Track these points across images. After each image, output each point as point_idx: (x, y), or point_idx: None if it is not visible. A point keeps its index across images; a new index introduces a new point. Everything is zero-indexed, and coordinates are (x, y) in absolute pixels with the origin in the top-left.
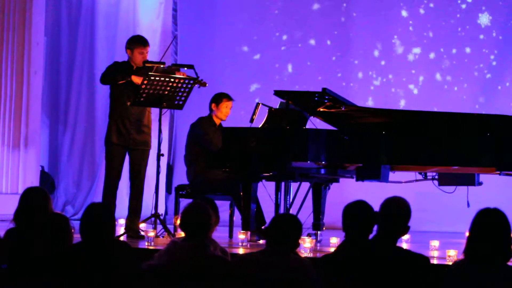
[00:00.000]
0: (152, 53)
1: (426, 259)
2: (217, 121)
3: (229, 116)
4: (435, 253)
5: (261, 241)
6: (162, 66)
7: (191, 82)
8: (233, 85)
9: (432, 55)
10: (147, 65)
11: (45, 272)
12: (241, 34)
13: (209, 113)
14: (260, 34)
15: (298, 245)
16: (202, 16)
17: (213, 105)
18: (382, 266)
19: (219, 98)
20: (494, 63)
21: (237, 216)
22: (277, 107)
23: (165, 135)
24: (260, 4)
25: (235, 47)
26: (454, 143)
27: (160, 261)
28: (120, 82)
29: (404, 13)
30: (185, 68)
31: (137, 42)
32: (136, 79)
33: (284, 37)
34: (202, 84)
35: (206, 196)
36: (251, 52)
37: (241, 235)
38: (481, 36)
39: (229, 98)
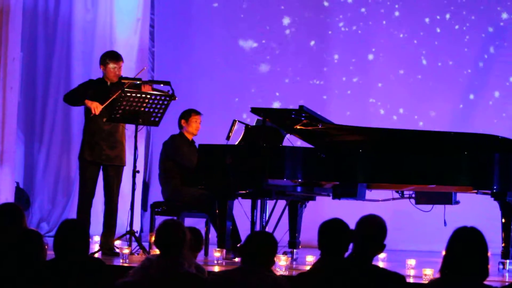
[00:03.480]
0: (129, 69)
1: (402, 277)
2: (189, 137)
3: (206, 133)
4: (412, 272)
5: (236, 259)
6: (138, 82)
7: (167, 99)
8: (210, 102)
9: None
10: (122, 81)
11: None
12: (218, 50)
13: (179, 130)
14: (237, 50)
15: (273, 263)
16: (179, 33)
17: (182, 121)
18: (358, 285)
19: (187, 114)
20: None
21: (213, 234)
22: (254, 124)
23: (141, 152)
24: (237, 20)
25: (212, 63)
26: (431, 162)
27: (134, 278)
28: (78, 104)
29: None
30: (162, 85)
31: (110, 57)
32: (89, 103)
33: (261, 53)
34: (173, 97)
35: (193, 227)
36: (228, 68)
37: (217, 253)
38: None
39: (197, 112)
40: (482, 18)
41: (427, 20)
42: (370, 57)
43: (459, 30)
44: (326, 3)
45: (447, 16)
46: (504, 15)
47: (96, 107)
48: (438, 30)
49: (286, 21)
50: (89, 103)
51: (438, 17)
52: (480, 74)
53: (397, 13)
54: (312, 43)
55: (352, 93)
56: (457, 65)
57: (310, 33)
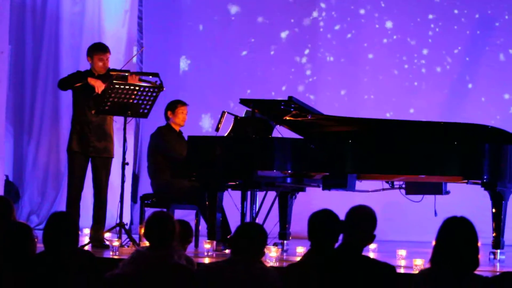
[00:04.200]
0: (118, 61)
1: (392, 268)
2: (177, 128)
3: (195, 124)
4: (402, 262)
5: (226, 251)
6: (127, 74)
7: (156, 90)
8: (198, 94)
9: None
10: (111, 73)
11: (8, 282)
12: (206, 43)
13: (166, 122)
14: (226, 42)
15: (263, 254)
16: (167, 25)
17: (169, 112)
18: (348, 275)
19: (173, 105)
20: (467, 77)
21: (203, 226)
22: (243, 115)
23: (130, 144)
24: (226, 12)
25: (200, 55)
26: (421, 152)
27: (124, 270)
28: (77, 85)
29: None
30: (150, 76)
31: (96, 49)
32: (92, 82)
33: (250, 46)
34: (161, 88)
35: (182, 219)
36: (217, 60)
37: (207, 245)
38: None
39: (183, 103)
40: (476, 15)
41: (420, 19)
42: (370, 56)
43: (452, 29)
44: (323, 5)
45: (437, 16)
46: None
47: (100, 86)
48: (431, 29)
49: (279, 21)
50: (92, 81)
51: (431, 16)
52: (473, 72)
53: (388, 18)
54: (307, 51)
55: (346, 93)
56: (452, 65)
57: (305, 35)
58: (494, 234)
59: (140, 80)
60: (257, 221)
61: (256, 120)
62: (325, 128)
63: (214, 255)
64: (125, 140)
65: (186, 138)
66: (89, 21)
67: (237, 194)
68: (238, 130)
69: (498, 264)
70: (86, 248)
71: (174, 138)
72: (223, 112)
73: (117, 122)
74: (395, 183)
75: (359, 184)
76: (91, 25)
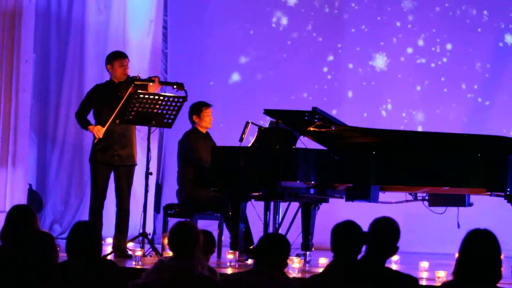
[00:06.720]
0: (142, 71)
1: (415, 280)
2: (203, 130)
3: (219, 135)
4: (425, 274)
5: (249, 261)
6: (150, 83)
7: (180, 100)
8: (223, 103)
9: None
10: (136, 82)
11: None
12: (231, 52)
13: (192, 125)
14: (250, 51)
15: (286, 265)
16: (192, 34)
17: (194, 116)
18: (371, 287)
19: (198, 108)
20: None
21: (226, 236)
22: (267, 126)
23: (154, 153)
24: (251, 22)
25: (225, 65)
26: (444, 164)
27: (147, 280)
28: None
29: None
30: (175, 87)
31: (115, 55)
32: (91, 128)
33: (275, 56)
34: (181, 88)
35: (205, 230)
36: (241, 70)
37: (230, 255)
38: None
39: (207, 105)
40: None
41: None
42: (381, 65)
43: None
44: (345, 16)
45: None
46: None
47: (98, 131)
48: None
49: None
50: (91, 128)
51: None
52: (490, 78)
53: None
54: (329, 56)
55: (368, 95)
56: (469, 68)
57: (323, 39)
58: None
59: (160, 82)
60: (280, 231)
61: (280, 131)
62: (349, 139)
63: (236, 265)
64: (149, 150)
65: (213, 139)
66: (114, 30)
67: (260, 205)
68: (262, 140)
69: None
70: (109, 257)
71: (202, 143)
72: (247, 123)
73: (141, 131)
74: (418, 195)
75: (382, 196)
76: (116, 34)
